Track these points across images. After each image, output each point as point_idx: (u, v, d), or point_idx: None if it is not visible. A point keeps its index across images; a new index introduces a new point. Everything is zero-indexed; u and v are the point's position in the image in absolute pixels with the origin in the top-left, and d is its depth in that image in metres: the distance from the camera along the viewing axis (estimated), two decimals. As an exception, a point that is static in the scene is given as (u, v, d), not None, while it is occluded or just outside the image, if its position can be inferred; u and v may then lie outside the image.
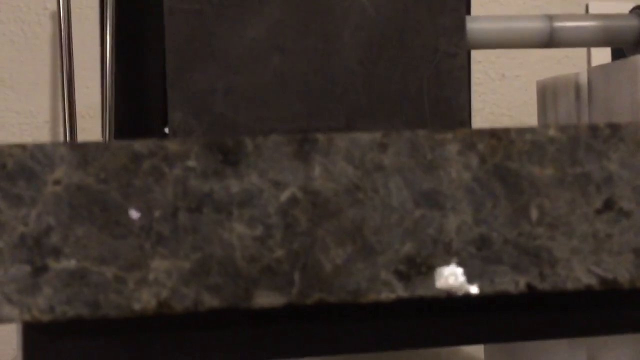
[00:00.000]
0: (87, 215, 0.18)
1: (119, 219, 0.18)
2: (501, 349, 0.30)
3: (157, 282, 0.18)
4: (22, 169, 0.18)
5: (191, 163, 0.19)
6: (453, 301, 0.21)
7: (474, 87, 0.29)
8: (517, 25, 0.31)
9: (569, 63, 0.92)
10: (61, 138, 1.14)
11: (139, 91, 0.59)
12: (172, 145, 0.19)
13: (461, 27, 0.30)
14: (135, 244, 0.18)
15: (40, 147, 0.18)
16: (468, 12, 0.30)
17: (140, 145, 0.18)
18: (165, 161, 0.18)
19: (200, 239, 0.18)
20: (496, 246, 0.19)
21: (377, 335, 0.21)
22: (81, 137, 1.14)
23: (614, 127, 0.20)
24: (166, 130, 0.56)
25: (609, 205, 0.20)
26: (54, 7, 1.22)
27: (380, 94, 0.29)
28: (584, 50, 0.89)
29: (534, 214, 0.19)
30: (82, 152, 0.18)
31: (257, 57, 0.28)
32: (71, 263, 0.18)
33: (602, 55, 0.81)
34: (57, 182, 0.18)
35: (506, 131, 0.20)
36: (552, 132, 0.20)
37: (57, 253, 0.18)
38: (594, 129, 0.20)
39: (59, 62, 1.12)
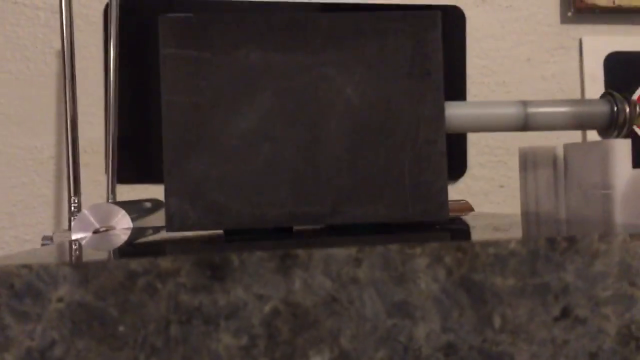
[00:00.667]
0: (87, 330, 0.20)
1: (115, 332, 0.20)
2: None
3: (151, 390, 0.20)
4: (29, 288, 0.20)
5: (182, 279, 0.20)
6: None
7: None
8: (493, 112, 0.33)
9: (563, 96, 0.94)
10: (65, 173, 1.16)
11: (142, 132, 0.61)
12: (165, 263, 0.20)
13: (440, 115, 0.31)
14: (130, 356, 0.20)
15: (45, 267, 0.20)
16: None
17: (135, 264, 0.20)
18: (158, 277, 0.20)
19: (190, 350, 0.20)
20: (462, 352, 0.21)
21: None
22: (84, 172, 1.16)
23: (571, 240, 0.22)
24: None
25: (565, 313, 0.21)
26: (59, 45, 1.24)
27: (364, 178, 0.31)
28: (577, 83, 0.91)
29: (497, 321, 0.21)
30: (83, 272, 0.20)
31: (249, 146, 0.30)
32: (72, 374, 0.20)
33: (595, 89, 0.83)
34: (60, 300, 0.20)
35: (471, 245, 0.21)
36: (513, 245, 0.21)
37: (59, 365, 0.20)
38: (552, 241, 0.22)
39: (62, 99, 1.14)
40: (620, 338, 0.21)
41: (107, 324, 0.20)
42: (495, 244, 0.21)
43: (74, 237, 0.49)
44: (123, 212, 0.49)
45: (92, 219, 0.50)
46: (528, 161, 0.41)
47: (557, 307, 0.21)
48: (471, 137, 0.92)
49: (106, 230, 0.48)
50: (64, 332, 0.20)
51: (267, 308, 0.21)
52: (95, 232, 0.48)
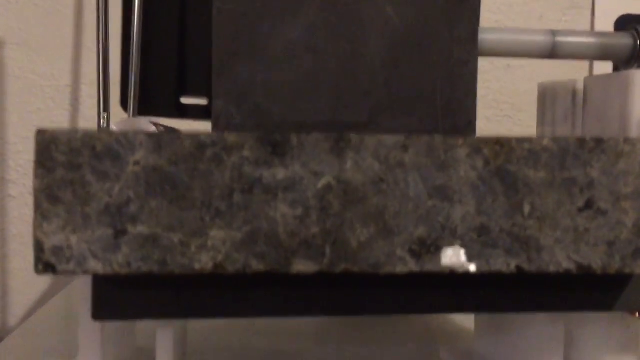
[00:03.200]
0: (160, 191, 0.22)
1: (184, 195, 0.22)
2: (490, 321, 0.34)
3: (214, 248, 0.22)
4: (109, 151, 0.22)
5: (246, 153, 0.22)
6: (454, 277, 0.25)
7: (479, 75, 0.32)
8: (523, 38, 0.35)
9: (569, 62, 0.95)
10: (82, 102, 1.17)
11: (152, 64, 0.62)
12: (231, 138, 0.22)
13: (474, 37, 0.33)
14: (197, 216, 0.22)
15: (124, 134, 0.22)
16: (477, 20, 0.34)
17: (204, 137, 0.22)
18: (224, 150, 0.22)
19: (251, 215, 0.22)
20: (493, 234, 0.23)
21: (389, 302, 0.25)
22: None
23: (598, 141, 0.24)
24: (182, 100, 0.59)
25: (589, 205, 0.24)
26: (79, -27, 1.22)
27: (398, 93, 0.33)
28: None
29: (527, 209, 0.23)
30: (157, 140, 0.22)
31: (292, 56, 0.32)
32: (145, 229, 0.22)
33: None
34: (136, 163, 0.22)
35: (508, 140, 0.23)
36: (546, 142, 0.23)
37: (134, 220, 0.22)
38: (581, 141, 0.24)
39: (82, 27, 1.15)
40: (637, 230, 0.24)
41: (177, 187, 0.22)
42: (530, 140, 0.23)
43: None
44: (153, 127, 0.51)
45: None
46: (547, 96, 0.43)
47: (581, 199, 0.24)
48: (480, 91, 0.93)
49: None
50: (139, 191, 0.22)
51: (320, 184, 0.23)
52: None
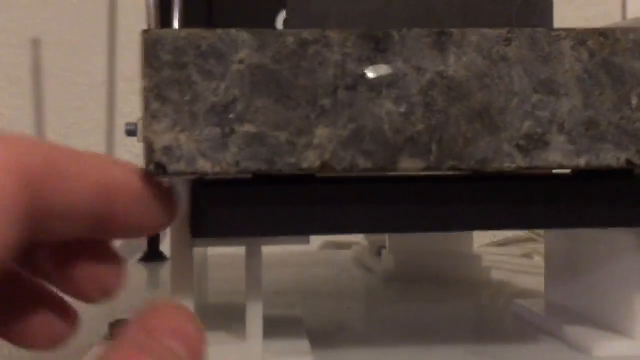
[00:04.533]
0: (265, 90, 0.22)
1: (289, 93, 0.22)
2: (563, 265, 0.33)
3: (321, 146, 0.22)
4: (213, 50, 0.22)
5: (348, 50, 0.22)
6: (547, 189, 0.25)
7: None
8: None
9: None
10: (117, 99, 1.18)
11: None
12: (333, 34, 0.22)
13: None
14: (303, 115, 0.22)
15: (227, 32, 0.22)
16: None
17: (307, 34, 0.22)
18: (327, 47, 0.22)
19: (356, 113, 0.22)
20: (602, 127, 0.23)
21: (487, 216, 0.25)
22: (135, 98, 1.18)
23: None
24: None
25: (699, 95, 0.23)
26: (114, -31, 1.24)
27: (474, 21, 0.32)
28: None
29: (634, 101, 0.23)
30: (260, 38, 0.22)
31: (367, -12, 0.32)
32: (252, 128, 0.22)
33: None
34: (241, 62, 0.22)
35: (612, 31, 0.23)
36: (651, 32, 0.23)
37: (241, 119, 0.22)
38: (687, 31, 0.23)
39: (116, 25, 1.16)
40: None
41: (282, 85, 0.22)
42: (635, 30, 0.23)
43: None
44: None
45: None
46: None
47: (691, 89, 0.23)
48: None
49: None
50: (245, 90, 0.22)
51: (424, 80, 0.22)
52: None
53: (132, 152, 0.98)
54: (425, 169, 0.22)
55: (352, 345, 0.32)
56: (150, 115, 0.21)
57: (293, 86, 0.22)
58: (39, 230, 0.16)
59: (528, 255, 0.76)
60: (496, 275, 0.53)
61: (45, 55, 1.12)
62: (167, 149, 0.21)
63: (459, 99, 0.23)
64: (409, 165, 0.22)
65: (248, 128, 0.22)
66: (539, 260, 0.74)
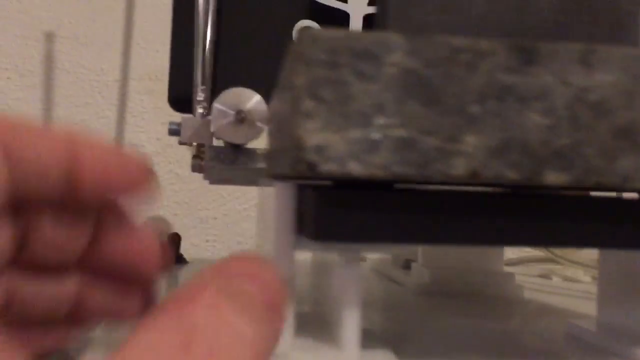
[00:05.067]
0: (416, 94, 0.22)
1: (440, 99, 0.22)
2: (616, 289, 0.33)
3: (469, 155, 0.22)
4: (367, 52, 0.22)
5: (498, 59, 0.22)
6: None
7: None
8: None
9: None
10: (130, 98, 1.17)
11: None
12: (484, 44, 0.22)
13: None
14: (452, 121, 0.22)
15: (381, 35, 0.22)
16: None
17: (458, 41, 0.22)
18: (477, 56, 0.22)
19: (504, 122, 0.22)
20: None
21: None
22: (148, 98, 1.17)
23: None
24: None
25: None
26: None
27: (564, 35, 0.33)
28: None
29: None
30: (413, 43, 0.22)
31: (466, 1, 0.32)
32: (403, 132, 0.22)
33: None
34: (393, 65, 0.22)
35: None
36: None
37: (392, 123, 0.22)
38: None
39: (132, 22, 1.15)
40: None
41: (432, 90, 0.22)
42: None
43: (213, 125, 0.50)
44: (258, 96, 0.51)
45: (222, 107, 0.51)
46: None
47: None
48: None
49: (244, 116, 0.49)
50: (396, 93, 0.22)
51: (570, 94, 0.22)
52: (238, 116, 0.50)
53: (141, 153, 0.97)
54: (569, 183, 0.22)
55: (427, 356, 0.31)
56: (303, 113, 0.21)
57: (443, 92, 0.22)
58: (19, 182, 0.17)
59: (544, 276, 0.77)
60: (527, 294, 0.54)
61: (58, 49, 1.10)
62: (319, 149, 0.21)
63: (603, 114, 0.23)
64: (554, 179, 0.22)
65: (399, 132, 0.22)
66: (557, 280, 0.74)
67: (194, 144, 0.55)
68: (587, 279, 0.76)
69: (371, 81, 0.21)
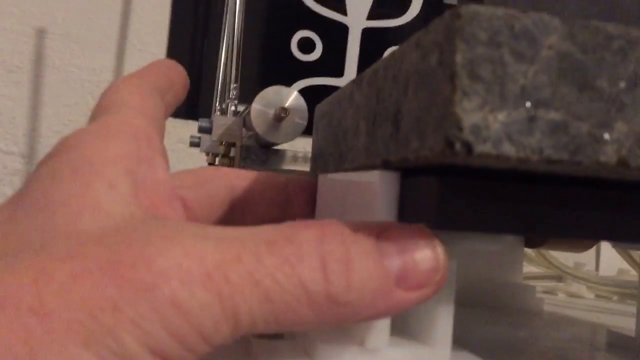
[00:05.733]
0: (570, 78, 0.21)
1: (593, 84, 0.22)
2: None
3: (618, 141, 0.22)
4: (526, 32, 0.21)
5: (648, 48, 0.22)
6: None
7: None
8: None
9: None
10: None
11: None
12: (634, 32, 0.22)
13: None
14: (604, 107, 0.22)
15: (540, 16, 0.21)
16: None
17: (612, 28, 0.22)
18: (629, 43, 0.22)
19: (652, 112, 0.22)
20: None
21: None
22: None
23: None
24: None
25: None
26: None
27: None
28: None
29: None
30: (569, 26, 0.22)
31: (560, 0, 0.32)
32: (557, 115, 0.21)
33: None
34: (550, 47, 0.21)
35: None
36: None
37: (547, 105, 0.21)
38: None
39: (129, 22, 1.13)
40: None
41: (587, 76, 0.22)
42: None
43: (254, 120, 0.49)
44: (296, 92, 0.50)
45: (260, 105, 0.50)
46: None
47: None
48: None
49: (286, 113, 0.49)
50: (552, 76, 0.21)
51: None
52: (277, 115, 0.49)
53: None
54: None
55: None
56: (461, 91, 0.21)
57: (597, 77, 0.22)
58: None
59: (550, 292, 0.77)
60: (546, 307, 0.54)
61: (49, 45, 1.07)
62: (476, 128, 0.21)
63: None
64: (697, 170, 0.22)
65: (553, 115, 0.21)
66: (562, 296, 0.75)
67: (223, 143, 0.54)
68: (591, 295, 0.77)
69: (529, 62, 0.21)
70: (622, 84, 0.22)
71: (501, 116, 0.21)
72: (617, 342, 0.39)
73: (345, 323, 0.22)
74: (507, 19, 0.21)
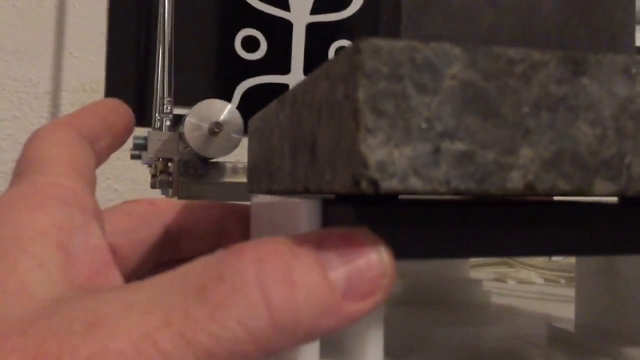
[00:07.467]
0: (474, 107, 0.21)
1: (496, 111, 0.22)
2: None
3: (524, 167, 0.22)
4: (428, 63, 0.21)
5: (550, 71, 0.22)
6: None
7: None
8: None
9: None
10: (63, 110, 1.12)
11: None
12: (537, 55, 0.22)
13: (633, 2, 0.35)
14: (508, 134, 0.22)
15: (440, 45, 0.21)
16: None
17: (513, 53, 0.22)
18: (531, 67, 0.22)
19: (556, 134, 0.22)
20: None
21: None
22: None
23: None
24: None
25: None
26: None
27: (568, 45, 0.34)
28: None
29: None
30: (472, 54, 0.22)
31: (475, 11, 0.32)
32: (462, 145, 0.21)
33: None
34: (452, 77, 0.21)
35: None
36: None
37: (452, 136, 0.21)
38: None
39: (64, 31, 1.10)
40: None
41: (490, 103, 0.22)
42: None
43: (188, 135, 0.48)
44: (230, 105, 0.49)
45: (194, 119, 0.49)
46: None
47: None
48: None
49: (220, 128, 0.48)
50: (455, 107, 0.21)
51: (616, 104, 0.23)
52: (210, 129, 0.48)
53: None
54: (615, 193, 0.23)
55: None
56: (364, 128, 0.20)
57: (500, 104, 0.22)
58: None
59: (499, 279, 0.79)
60: (493, 299, 0.55)
61: (-18, 59, 1.04)
62: (381, 165, 0.20)
63: (646, 125, 0.23)
64: (602, 189, 0.22)
65: (458, 146, 0.21)
66: (512, 284, 0.76)
67: (160, 159, 0.53)
68: (540, 280, 0.79)
69: (432, 94, 0.21)
70: (526, 109, 0.22)
71: (407, 151, 0.21)
72: (557, 335, 0.40)
73: (297, 346, 0.21)
74: (408, 51, 0.21)
